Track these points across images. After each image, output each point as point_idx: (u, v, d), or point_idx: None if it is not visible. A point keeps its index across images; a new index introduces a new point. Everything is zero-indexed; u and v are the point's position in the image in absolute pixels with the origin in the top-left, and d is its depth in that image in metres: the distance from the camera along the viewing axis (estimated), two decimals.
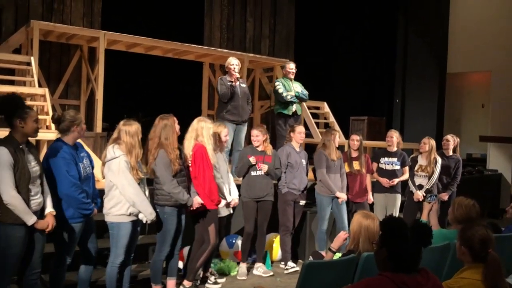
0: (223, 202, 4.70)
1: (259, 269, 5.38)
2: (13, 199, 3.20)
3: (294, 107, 6.61)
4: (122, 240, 3.94)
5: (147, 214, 3.96)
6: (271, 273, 5.35)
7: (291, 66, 6.80)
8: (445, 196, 6.35)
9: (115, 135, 4.00)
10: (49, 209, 3.49)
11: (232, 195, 5.01)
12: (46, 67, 7.84)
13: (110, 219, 3.94)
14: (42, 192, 3.48)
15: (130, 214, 3.92)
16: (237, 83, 6.23)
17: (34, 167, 3.39)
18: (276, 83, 6.70)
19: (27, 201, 3.29)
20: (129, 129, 3.95)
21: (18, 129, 3.32)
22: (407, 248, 2.26)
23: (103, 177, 4.02)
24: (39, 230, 3.39)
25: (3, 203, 3.22)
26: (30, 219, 3.28)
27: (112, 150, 3.91)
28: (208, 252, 4.62)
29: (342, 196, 5.65)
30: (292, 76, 6.78)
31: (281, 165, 5.46)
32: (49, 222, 3.43)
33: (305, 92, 6.84)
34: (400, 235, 2.27)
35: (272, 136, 7.23)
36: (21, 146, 3.34)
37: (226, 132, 5.08)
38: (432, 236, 2.33)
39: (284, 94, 6.51)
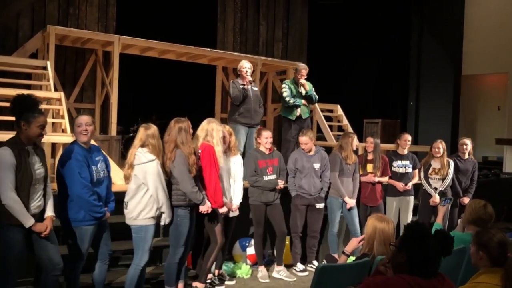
0: (224, 209, 4.64)
1: (281, 272, 5.35)
2: (10, 201, 3.23)
3: (298, 111, 6.48)
4: (148, 243, 4.01)
5: (169, 216, 4.07)
6: (294, 278, 5.32)
7: (303, 72, 6.56)
8: (466, 200, 6.27)
9: (139, 140, 4.03)
10: (49, 213, 3.53)
11: (234, 199, 4.98)
12: (61, 71, 7.94)
13: (138, 223, 3.97)
14: (44, 195, 3.51)
15: (157, 217, 4.02)
16: (249, 86, 6.23)
17: (38, 169, 3.41)
18: (283, 86, 6.60)
19: (26, 203, 3.32)
20: (154, 132, 4.04)
21: (22, 131, 3.34)
22: (427, 255, 2.25)
23: (127, 181, 4.06)
24: (37, 232, 3.41)
25: (2, 204, 3.24)
26: (28, 221, 3.31)
27: (143, 154, 3.96)
28: (215, 252, 4.64)
29: (350, 202, 5.64)
30: (303, 80, 6.56)
31: (289, 170, 5.54)
32: (47, 225, 3.45)
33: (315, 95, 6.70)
34: (422, 242, 2.26)
35: (279, 139, 7.21)
36: (26, 148, 3.35)
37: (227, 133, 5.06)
38: (453, 246, 2.32)
39: (287, 99, 6.42)
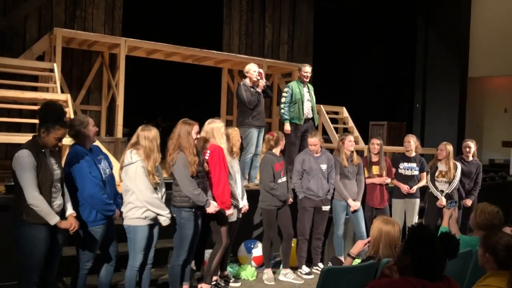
0: (231, 210, 4.59)
1: (288, 275, 5.33)
2: (36, 200, 3.28)
3: (305, 115, 6.40)
4: (140, 243, 3.98)
5: (166, 215, 4.02)
6: (302, 281, 5.30)
7: (306, 70, 6.53)
8: (469, 202, 6.28)
9: (133, 140, 4.06)
10: (70, 210, 3.58)
11: (243, 200, 4.96)
12: (68, 74, 7.99)
13: (127, 223, 3.99)
14: (62, 195, 3.56)
15: (146, 218, 3.97)
16: (261, 89, 6.24)
17: (56, 170, 3.48)
18: (285, 90, 6.48)
19: (49, 202, 3.38)
20: (148, 134, 4.00)
21: (41, 137, 3.42)
22: (432, 258, 2.24)
23: (121, 181, 4.08)
24: (62, 230, 3.47)
25: (26, 204, 3.30)
26: (53, 219, 3.36)
27: (130, 155, 3.97)
28: (220, 253, 4.62)
29: (353, 204, 5.61)
30: (307, 80, 6.56)
31: (296, 172, 5.50)
32: (72, 222, 3.51)
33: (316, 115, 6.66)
34: (426, 245, 2.25)
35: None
36: (43, 150, 3.43)
37: (239, 135, 5.05)
38: (459, 249, 2.30)
39: (282, 106, 6.37)
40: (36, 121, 6.56)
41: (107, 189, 3.82)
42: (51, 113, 3.41)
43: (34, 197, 3.28)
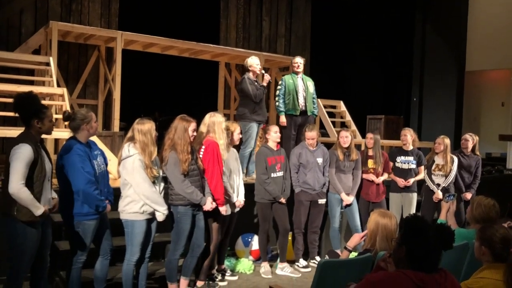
0: (224, 207, 4.54)
1: (285, 269, 5.34)
2: (18, 191, 3.19)
3: (300, 107, 6.35)
4: (137, 238, 3.97)
5: (163, 211, 4.00)
6: (299, 274, 5.31)
7: (296, 60, 6.47)
8: (469, 196, 6.30)
9: (129, 134, 4.04)
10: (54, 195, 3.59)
11: (239, 196, 4.93)
12: (64, 67, 7.96)
13: (125, 217, 3.98)
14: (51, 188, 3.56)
15: (143, 212, 3.96)
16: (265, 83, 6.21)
17: (47, 164, 3.45)
18: (280, 83, 6.44)
19: (39, 197, 3.32)
20: (142, 127, 3.98)
21: (36, 129, 3.37)
22: (427, 249, 2.23)
23: (119, 176, 4.06)
24: (50, 226, 3.47)
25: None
26: (38, 210, 3.30)
27: (127, 149, 3.95)
28: (212, 250, 4.60)
29: (345, 199, 5.62)
30: (298, 70, 6.43)
31: (292, 166, 5.50)
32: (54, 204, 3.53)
33: (316, 110, 6.62)
34: (421, 235, 2.24)
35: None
36: (38, 144, 3.41)
37: (239, 130, 5.01)
38: (454, 240, 2.30)
39: (276, 98, 6.35)
40: None
41: (100, 185, 3.79)
42: (33, 102, 3.36)
43: (17, 189, 3.18)
